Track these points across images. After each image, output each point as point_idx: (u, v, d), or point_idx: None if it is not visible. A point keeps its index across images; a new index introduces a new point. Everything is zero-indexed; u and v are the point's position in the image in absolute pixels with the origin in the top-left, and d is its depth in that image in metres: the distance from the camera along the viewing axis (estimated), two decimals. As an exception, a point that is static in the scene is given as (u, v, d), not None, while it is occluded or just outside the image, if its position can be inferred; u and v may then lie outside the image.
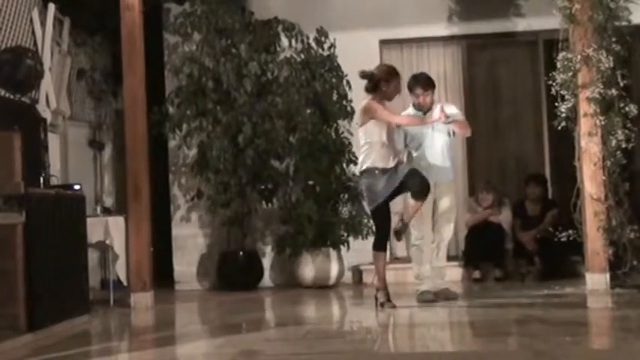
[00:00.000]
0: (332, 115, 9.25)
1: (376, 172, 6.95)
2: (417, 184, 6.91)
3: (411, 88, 7.52)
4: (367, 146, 7.03)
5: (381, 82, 7.05)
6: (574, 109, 7.73)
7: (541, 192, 9.33)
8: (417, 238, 7.43)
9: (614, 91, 7.60)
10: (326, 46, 9.39)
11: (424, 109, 7.44)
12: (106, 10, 8.64)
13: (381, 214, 7.08)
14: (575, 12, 7.67)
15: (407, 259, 9.00)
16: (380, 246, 7.13)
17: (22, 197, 6.15)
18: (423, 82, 7.49)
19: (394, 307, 6.98)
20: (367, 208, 7.55)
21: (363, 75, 7.09)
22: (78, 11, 9.13)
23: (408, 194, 7.01)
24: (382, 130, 7.00)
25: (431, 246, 7.44)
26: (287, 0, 9.63)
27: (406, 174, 6.93)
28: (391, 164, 6.98)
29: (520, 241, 9.16)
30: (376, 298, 7.09)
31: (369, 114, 7.02)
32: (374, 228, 7.47)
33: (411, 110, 7.57)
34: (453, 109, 7.51)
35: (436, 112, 7.13)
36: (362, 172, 7.09)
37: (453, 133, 7.54)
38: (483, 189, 9.36)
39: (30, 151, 6.55)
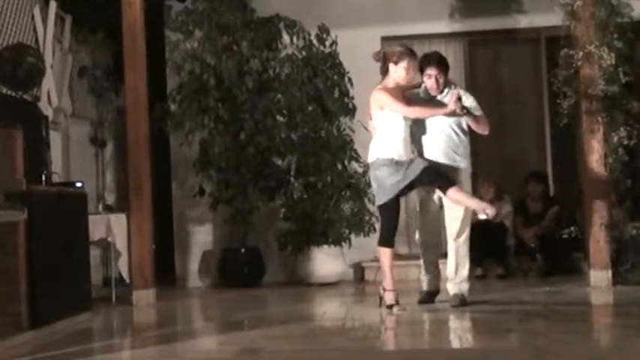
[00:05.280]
0: (333, 112, 9.23)
1: (388, 164, 6.50)
2: (442, 183, 6.54)
3: (422, 68, 6.82)
4: (382, 135, 6.57)
5: (390, 65, 6.68)
6: (576, 106, 7.72)
7: (542, 189, 9.31)
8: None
9: (616, 88, 7.61)
10: (327, 43, 9.37)
11: (434, 94, 6.80)
12: (107, 7, 8.64)
13: (390, 208, 6.58)
14: (577, 8, 7.68)
15: (408, 257, 9.03)
16: (386, 241, 6.63)
17: (24, 195, 6.16)
18: (436, 61, 6.80)
19: (404, 309, 6.58)
20: (377, 201, 6.73)
21: (376, 57, 6.77)
22: (79, 8, 9.13)
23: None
24: (399, 119, 6.56)
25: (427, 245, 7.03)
26: (289, -3, 9.63)
27: (423, 169, 6.48)
28: (406, 157, 6.56)
29: (522, 238, 9.16)
30: (380, 298, 6.73)
31: (377, 104, 6.61)
32: (380, 223, 6.92)
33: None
34: (470, 100, 6.78)
35: (450, 101, 6.53)
36: (372, 163, 6.62)
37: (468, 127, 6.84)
38: (484, 183, 9.34)
39: (32, 149, 6.57)
